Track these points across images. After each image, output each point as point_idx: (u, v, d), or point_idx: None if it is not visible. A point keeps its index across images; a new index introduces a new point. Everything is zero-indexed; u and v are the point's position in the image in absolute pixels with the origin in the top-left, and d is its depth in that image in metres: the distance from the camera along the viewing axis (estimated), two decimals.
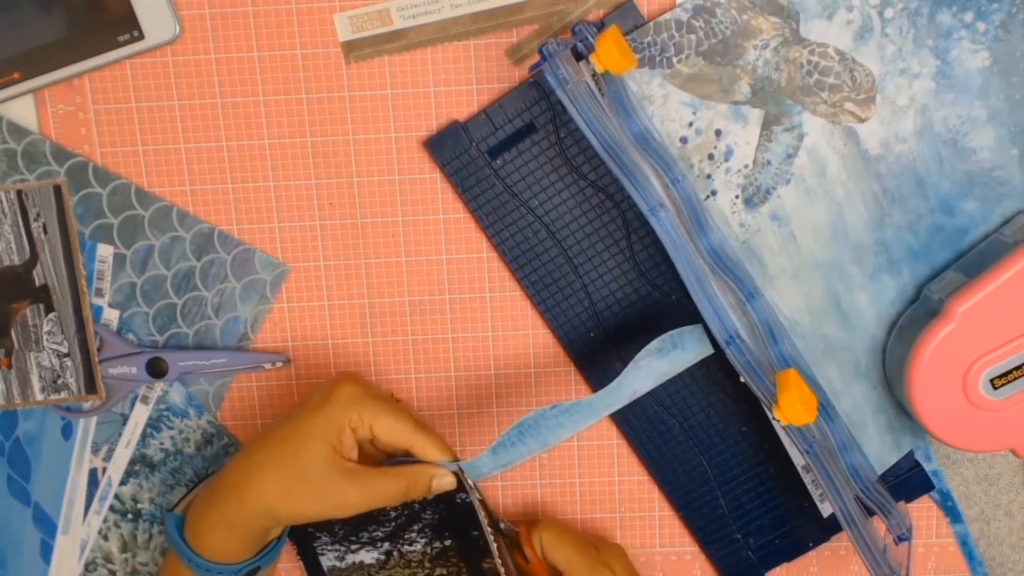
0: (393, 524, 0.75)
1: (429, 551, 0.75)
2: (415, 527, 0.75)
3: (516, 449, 0.70)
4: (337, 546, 0.76)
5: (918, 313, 0.73)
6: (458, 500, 0.73)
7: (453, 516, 0.74)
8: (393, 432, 0.68)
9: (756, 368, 0.70)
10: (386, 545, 0.75)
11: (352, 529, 0.75)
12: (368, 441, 0.70)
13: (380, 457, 0.72)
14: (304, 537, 0.76)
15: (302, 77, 0.75)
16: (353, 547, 0.75)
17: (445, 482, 0.69)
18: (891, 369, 0.74)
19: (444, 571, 0.76)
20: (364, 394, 0.68)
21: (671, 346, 0.70)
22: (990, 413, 0.70)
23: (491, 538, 0.69)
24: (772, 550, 0.79)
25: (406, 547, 0.75)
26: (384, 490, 0.68)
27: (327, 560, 0.76)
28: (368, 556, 0.75)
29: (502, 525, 0.73)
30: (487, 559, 0.74)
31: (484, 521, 0.70)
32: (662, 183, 0.70)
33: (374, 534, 0.75)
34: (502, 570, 0.68)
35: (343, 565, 0.76)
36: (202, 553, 0.68)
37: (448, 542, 0.75)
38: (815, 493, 0.78)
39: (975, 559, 0.81)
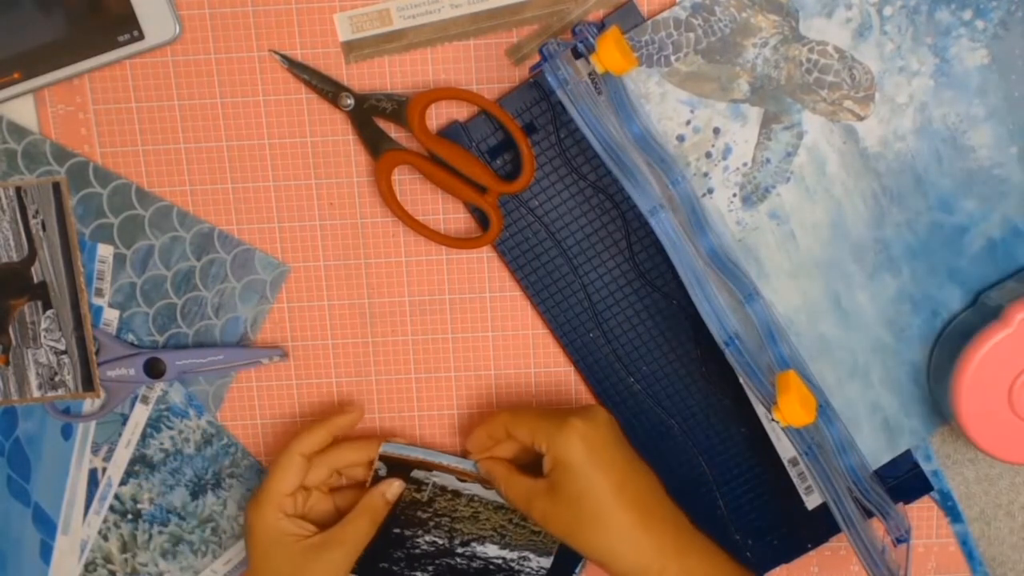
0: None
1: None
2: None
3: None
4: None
5: (972, 319, 0.72)
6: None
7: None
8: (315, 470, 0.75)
9: (755, 369, 0.70)
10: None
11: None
12: (326, 486, 0.77)
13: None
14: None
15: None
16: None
17: (394, 488, 0.76)
18: (936, 373, 0.74)
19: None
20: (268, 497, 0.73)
21: None
22: None
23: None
24: (771, 551, 0.79)
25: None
26: (355, 534, 0.74)
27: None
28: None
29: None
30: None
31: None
32: (662, 184, 0.70)
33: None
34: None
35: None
36: None
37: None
38: (801, 487, 0.78)
39: (975, 559, 0.80)
